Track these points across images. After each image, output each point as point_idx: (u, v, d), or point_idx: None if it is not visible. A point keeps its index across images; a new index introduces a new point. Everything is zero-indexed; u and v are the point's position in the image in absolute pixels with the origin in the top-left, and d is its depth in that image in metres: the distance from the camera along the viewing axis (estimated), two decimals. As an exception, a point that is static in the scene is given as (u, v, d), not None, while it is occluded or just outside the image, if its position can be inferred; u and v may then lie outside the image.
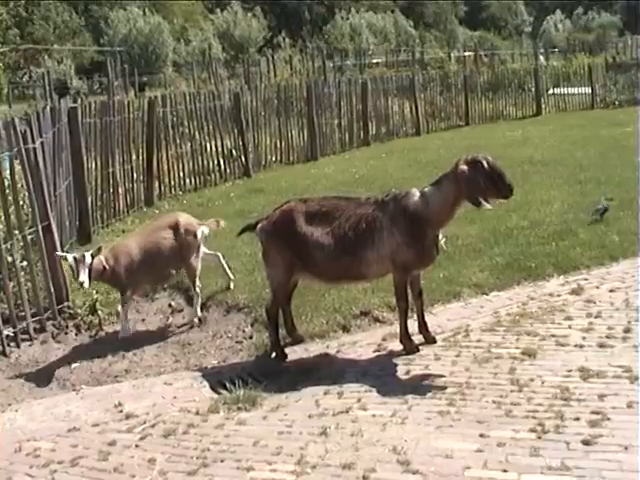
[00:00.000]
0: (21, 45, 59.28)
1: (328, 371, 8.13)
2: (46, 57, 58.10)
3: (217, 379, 8.26)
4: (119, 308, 10.01)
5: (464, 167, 7.72)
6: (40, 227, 9.98)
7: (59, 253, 9.77)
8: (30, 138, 10.01)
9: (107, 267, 9.42)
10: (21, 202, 10.49)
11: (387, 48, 74.23)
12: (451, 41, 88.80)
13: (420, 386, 7.43)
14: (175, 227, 9.87)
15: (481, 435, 6.32)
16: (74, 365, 9.17)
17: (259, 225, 8.55)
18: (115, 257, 9.56)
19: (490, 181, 7.67)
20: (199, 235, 9.98)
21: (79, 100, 18.39)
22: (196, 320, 9.90)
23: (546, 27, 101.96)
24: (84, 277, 9.00)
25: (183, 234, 9.84)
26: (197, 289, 9.97)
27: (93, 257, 9.15)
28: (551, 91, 34.01)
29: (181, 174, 17.97)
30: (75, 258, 9.06)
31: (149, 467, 6.44)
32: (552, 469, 5.73)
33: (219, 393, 7.91)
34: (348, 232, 8.08)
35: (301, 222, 8.24)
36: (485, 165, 7.68)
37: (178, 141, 18.18)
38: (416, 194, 8.03)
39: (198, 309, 9.98)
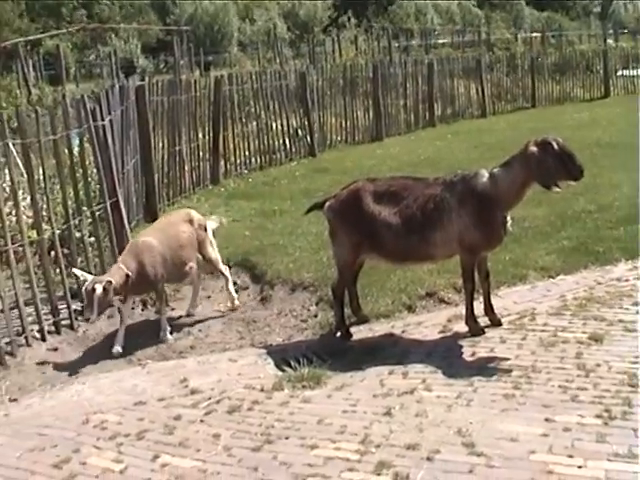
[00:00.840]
0: (88, 25, 59.70)
1: (393, 351, 8.12)
2: (113, 36, 58.48)
3: (282, 357, 8.29)
4: (157, 310, 9.76)
5: (534, 148, 7.65)
6: (108, 204, 10.08)
7: (75, 271, 8.99)
8: (99, 115, 10.10)
9: (130, 274, 8.90)
10: (89, 179, 10.58)
11: (452, 29, 73.67)
12: (518, 22, 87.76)
13: (485, 368, 7.39)
14: (190, 221, 9.72)
15: (546, 419, 6.26)
16: (140, 340, 9.27)
17: (327, 204, 8.55)
18: (137, 259, 9.06)
19: (560, 163, 7.59)
20: (209, 228, 9.92)
21: (146, 79, 18.45)
22: (236, 302, 9.95)
23: (615, 7, 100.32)
24: (90, 314, 8.53)
25: (197, 228, 9.73)
26: (226, 272, 10.02)
27: (105, 289, 8.49)
28: (620, 73, 33.55)
29: (247, 152, 18.05)
30: (86, 290, 8.49)
31: (214, 442, 6.47)
32: (619, 456, 5.65)
33: (283, 371, 7.92)
34: (416, 212, 8.04)
35: (369, 202, 8.22)
36: (555, 147, 7.60)
37: (244, 120, 18.23)
38: (485, 175, 7.97)
39: (232, 290, 10.01)
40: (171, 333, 9.32)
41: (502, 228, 8.03)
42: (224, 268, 10.00)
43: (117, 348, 8.93)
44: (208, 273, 10.54)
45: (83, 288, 8.56)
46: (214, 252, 9.92)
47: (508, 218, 8.09)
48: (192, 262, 9.64)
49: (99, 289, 8.41)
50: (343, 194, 8.49)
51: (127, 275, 8.82)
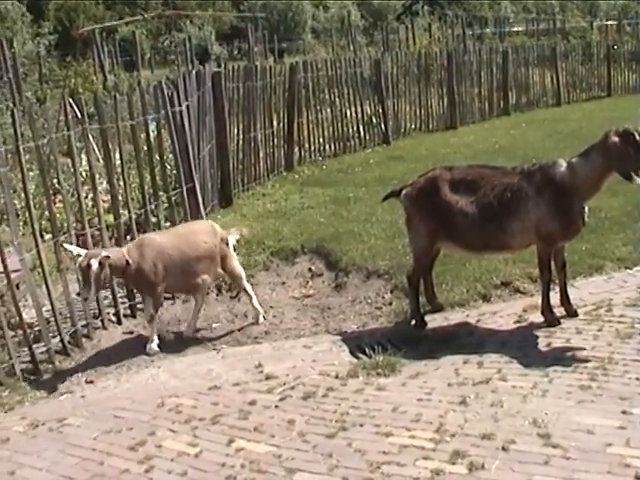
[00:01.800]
0: (164, 12, 60.08)
1: (468, 340, 8.08)
2: (187, 23, 58.81)
3: (356, 344, 8.30)
4: (146, 316, 8.94)
5: (616, 139, 7.53)
6: (185, 189, 10.15)
7: (67, 246, 8.38)
8: (177, 101, 10.16)
9: (131, 262, 8.41)
10: (166, 165, 10.65)
11: (527, 17, 72.87)
12: (593, 10, 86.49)
13: (561, 359, 7.29)
14: (213, 233, 9.12)
15: (623, 412, 6.17)
16: (215, 325, 9.33)
17: (403, 191, 8.51)
18: (141, 252, 8.53)
19: None
20: (230, 243, 9.31)
21: (222, 65, 18.53)
22: (261, 317, 9.40)
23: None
24: (87, 293, 8.00)
25: (220, 241, 9.12)
26: (249, 290, 9.42)
27: (101, 263, 7.97)
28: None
29: (321, 140, 18.02)
30: (80, 266, 7.94)
31: (288, 428, 6.48)
32: (698, 449, 5.57)
33: (358, 358, 7.93)
34: (493, 201, 7.98)
35: (446, 190, 8.17)
36: (637, 137, 7.48)
37: (318, 107, 18.22)
38: (563, 164, 7.87)
39: (257, 305, 9.42)
40: (160, 347, 8.73)
41: (580, 218, 7.92)
42: (248, 286, 9.45)
43: (152, 347, 8.70)
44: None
45: (77, 264, 8.07)
46: (238, 267, 9.38)
47: (586, 208, 7.98)
48: (206, 275, 9.02)
49: (95, 264, 7.91)
50: (420, 182, 8.44)
51: (127, 262, 8.38)
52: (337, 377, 7.44)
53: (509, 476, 5.44)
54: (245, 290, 9.41)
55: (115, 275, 8.55)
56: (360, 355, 7.97)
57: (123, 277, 8.74)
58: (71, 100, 10.21)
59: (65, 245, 8.37)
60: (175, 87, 10.43)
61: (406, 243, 9.82)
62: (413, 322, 8.67)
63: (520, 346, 7.72)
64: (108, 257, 8.05)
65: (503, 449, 5.78)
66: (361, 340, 8.41)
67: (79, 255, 8.06)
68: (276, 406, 6.93)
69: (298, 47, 56.76)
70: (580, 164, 7.79)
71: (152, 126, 10.15)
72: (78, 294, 8.59)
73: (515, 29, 64.51)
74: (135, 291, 9.41)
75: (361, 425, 6.41)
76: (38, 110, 11.54)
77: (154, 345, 8.66)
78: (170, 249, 8.69)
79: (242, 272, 9.41)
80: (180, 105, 10.21)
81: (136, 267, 8.45)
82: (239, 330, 9.19)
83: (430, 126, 21.80)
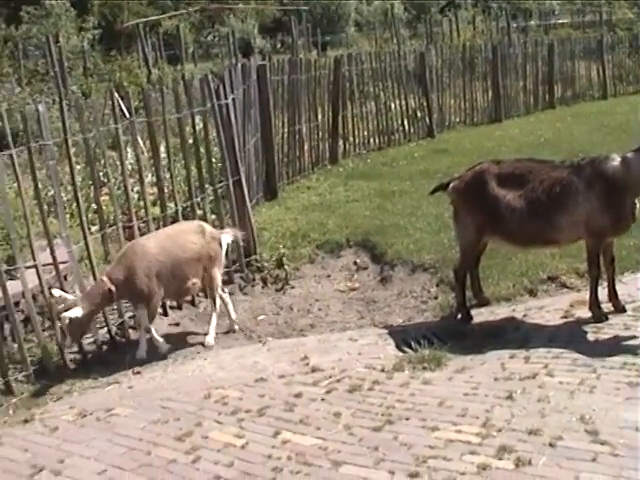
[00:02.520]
0: (208, 5, 60.15)
1: (514, 335, 8.03)
2: (231, 16, 58.86)
3: (402, 337, 8.28)
4: (140, 324, 8.51)
5: None
6: (231, 181, 10.17)
7: (55, 291, 8.01)
8: (223, 94, 10.18)
9: (114, 288, 8.08)
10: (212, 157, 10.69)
11: (572, 8, 72.27)
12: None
13: (609, 355, 7.21)
14: (202, 233, 8.77)
15: (673, 409, 6.10)
16: (260, 317, 9.36)
17: (451, 185, 8.48)
18: (128, 266, 8.20)
19: None
20: (223, 243, 9.01)
21: (267, 58, 18.56)
22: (210, 341, 8.74)
23: None
24: (64, 342, 8.00)
25: (210, 241, 8.80)
26: (217, 302, 8.95)
27: (72, 320, 7.74)
28: None
29: (365, 133, 18.00)
30: (59, 318, 7.92)
31: (334, 421, 6.48)
32: None
33: (404, 351, 7.92)
34: (541, 196, 7.91)
35: (493, 184, 8.13)
36: None
37: (362, 100, 18.19)
38: (616, 159, 7.78)
39: (213, 329, 8.84)
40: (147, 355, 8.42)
41: (630, 214, 7.84)
42: (221, 294, 9.00)
43: (140, 353, 8.43)
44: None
45: (56, 312, 8.06)
46: (218, 273, 8.95)
47: (637, 204, 7.90)
48: (196, 278, 8.72)
49: (65, 321, 7.76)
50: (468, 175, 8.40)
51: (109, 290, 8.04)
52: (383, 370, 7.42)
53: (556, 472, 5.38)
54: (214, 300, 8.92)
55: (104, 307, 8.37)
56: (406, 349, 7.95)
57: (117, 298, 8.36)
58: (117, 94, 10.25)
59: (54, 290, 8.01)
60: (221, 80, 10.45)
61: (452, 237, 9.81)
62: (459, 316, 8.65)
63: (567, 341, 7.64)
64: (77, 317, 7.75)
65: (550, 445, 5.73)
66: (407, 334, 8.39)
67: (65, 299, 7.90)
68: (322, 399, 6.92)
69: (341, 40, 56.63)
70: (635, 160, 7.70)
71: (196, 119, 10.16)
72: None
73: (560, 21, 63.94)
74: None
75: (407, 419, 6.38)
76: (84, 104, 11.58)
77: (143, 352, 8.38)
78: (160, 254, 8.35)
79: (219, 280, 8.99)
80: (226, 98, 10.22)
81: (126, 284, 8.14)
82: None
83: (475, 119, 21.71)
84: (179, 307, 9.47)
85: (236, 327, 9.07)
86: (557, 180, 7.89)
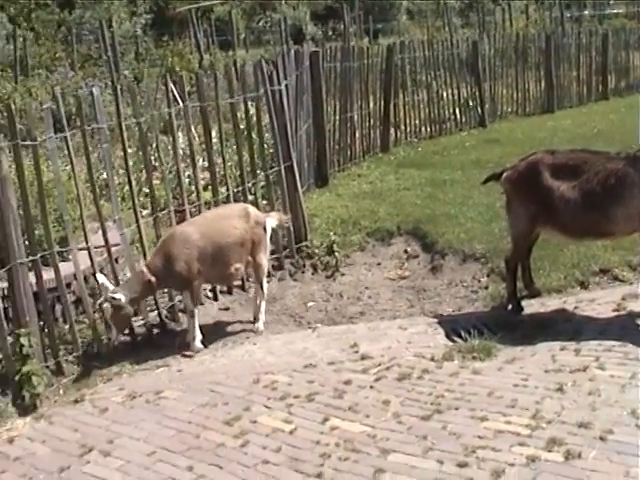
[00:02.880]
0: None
1: (565, 327, 7.95)
2: (282, 3, 58.85)
3: (452, 327, 8.25)
4: (187, 312, 8.36)
5: None
6: (283, 167, 10.16)
7: (98, 276, 7.94)
8: (276, 80, 10.18)
9: (153, 279, 7.99)
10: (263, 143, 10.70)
11: (628, -1, 71.50)
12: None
13: (662, 349, 7.16)
14: (245, 217, 8.54)
15: None
16: (310, 304, 9.37)
17: (504, 174, 8.40)
18: (167, 254, 8.06)
19: None
20: (268, 228, 8.81)
21: (320, 45, 18.55)
22: (260, 327, 8.68)
23: None
24: (110, 334, 7.94)
25: (254, 226, 8.58)
26: (264, 289, 8.81)
27: (114, 307, 7.70)
28: None
29: (417, 121, 17.93)
30: (100, 307, 7.96)
31: (383, 408, 6.48)
32: None
33: (453, 341, 7.89)
34: (596, 187, 7.82)
35: (547, 174, 8.04)
36: None
37: (414, 88, 18.13)
38: None
39: (262, 314, 8.76)
40: (204, 344, 8.25)
41: None
42: (265, 282, 8.86)
43: (195, 345, 8.23)
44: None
45: (97, 303, 8.11)
46: (264, 258, 8.77)
47: None
48: (239, 264, 8.51)
49: (108, 310, 7.76)
50: (521, 165, 8.32)
51: (149, 280, 7.95)
52: (432, 359, 7.40)
53: (606, 466, 5.34)
54: (261, 288, 8.77)
55: (147, 297, 8.33)
56: (456, 338, 7.93)
57: (159, 287, 8.29)
58: (169, 79, 10.29)
59: (97, 275, 7.96)
60: (274, 66, 10.45)
61: (503, 227, 9.77)
62: (510, 307, 8.59)
63: (619, 335, 7.56)
64: (120, 300, 7.71)
65: (601, 439, 5.69)
66: (457, 323, 8.36)
67: (106, 288, 7.80)
68: (371, 386, 6.92)
69: (392, 28, 56.43)
70: None
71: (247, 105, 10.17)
72: None
73: (615, 11, 63.26)
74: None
75: (456, 408, 6.37)
76: (137, 88, 11.65)
77: (197, 342, 8.19)
78: (200, 240, 8.16)
79: (266, 265, 8.85)
80: (279, 84, 10.22)
81: (166, 273, 8.03)
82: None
83: (527, 109, 21.53)
84: (229, 292, 9.47)
85: (261, 327, 8.68)
86: (612, 172, 7.79)
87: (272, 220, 8.94)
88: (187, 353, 8.04)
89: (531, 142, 15.49)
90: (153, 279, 7.97)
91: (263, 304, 8.76)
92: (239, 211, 8.62)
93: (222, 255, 8.32)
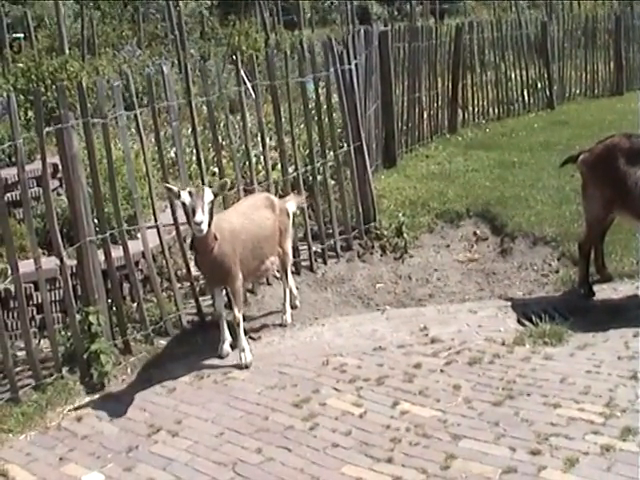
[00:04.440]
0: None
1: (637, 313, 7.83)
2: (349, -18, 58.70)
3: (522, 311, 8.19)
4: (235, 313, 7.47)
5: None
6: (352, 147, 10.09)
7: (169, 186, 7.20)
8: (346, 59, 10.10)
9: (218, 237, 7.19)
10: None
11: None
12: None
13: None
14: (272, 207, 8.05)
15: None
16: (378, 285, 9.31)
17: (581, 157, 8.32)
18: (221, 233, 7.26)
19: None
20: (290, 214, 8.37)
21: (389, 25, 18.41)
22: (288, 318, 8.37)
23: None
24: (201, 216, 6.72)
25: (279, 214, 8.10)
26: (291, 280, 8.54)
27: (216, 195, 7.03)
28: None
29: (484, 102, 17.74)
30: (190, 193, 6.82)
31: (454, 393, 6.45)
32: None
33: (524, 325, 7.84)
34: None
35: (624, 158, 7.93)
36: None
37: (482, 69, 17.96)
38: None
39: (289, 306, 8.44)
40: (232, 346, 7.67)
41: None
42: (290, 272, 8.58)
43: (225, 348, 7.68)
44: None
45: (187, 192, 6.86)
46: (290, 247, 8.43)
47: None
48: (274, 256, 8.11)
49: (209, 193, 6.87)
50: (599, 148, 8.22)
51: (215, 237, 7.14)
52: (503, 344, 7.36)
53: (680, 456, 5.24)
54: (286, 277, 8.45)
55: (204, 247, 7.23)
56: (526, 323, 7.88)
57: (203, 258, 7.37)
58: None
59: (167, 185, 7.36)
60: (345, 45, 10.37)
61: (574, 210, 9.68)
62: (581, 291, 8.48)
63: (693, 322, 7.45)
64: (216, 195, 7.03)
65: (676, 429, 5.59)
66: (527, 307, 8.29)
67: (188, 190, 6.95)
68: (441, 370, 6.90)
69: (458, 8, 56.05)
70: None
71: (310, 85, 10.06)
72: None
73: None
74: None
75: (528, 394, 6.33)
76: (206, 67, 11.64)
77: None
78: (240, 228, 7.55)
79: (291, 254, 8.53)
80: (349, 63, 10.14)
81: (219, 246, 7.24)
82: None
83: (595, 91, 21.21)
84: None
85: (289, 319, 8.36)
86: (692, 157, 7.67)
87: (292, 204, 8.50)
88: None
89: (600, 124, 15.32)
90: (218, 238, 7.18)
91: (289, 294, 8.46)
92: (264, 201, 8.14)
93: (260, 248, 7.82)
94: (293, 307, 8.56)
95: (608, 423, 5.76)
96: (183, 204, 6.87)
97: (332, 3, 52.96)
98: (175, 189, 7.01)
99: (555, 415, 5.96)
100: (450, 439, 5.75)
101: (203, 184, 8.32)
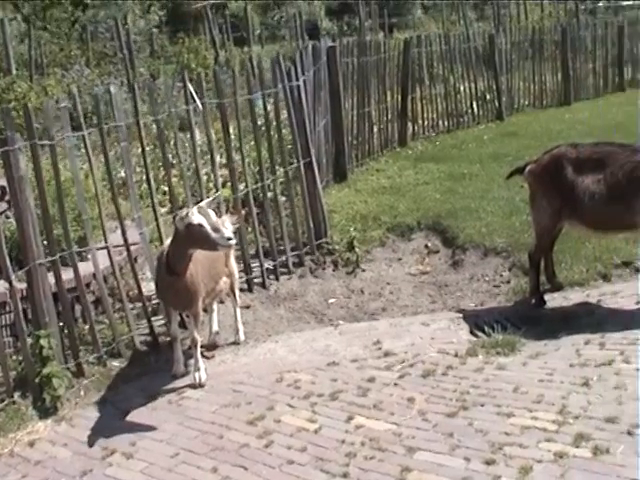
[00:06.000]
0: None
1: (588, 320, 7.91)
2: (297, -3, 58.79)
3: (474, 322, 8.22)
4: (194, 335, 7.36)
5: None
6: (302, 163, 10.11)
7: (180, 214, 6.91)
8: (294, 76, 10.13)
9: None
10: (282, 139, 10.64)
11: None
12: None
13: (686, 341, 7.11)
14: None
15: None
16: (331, 300, 9.32)
17: (528, 168, 8.40)
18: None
19: None
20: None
21: (336, 40, 18.48)
22: (241, 336, 8.30)
23: None
24: (229, 231, 6.90)
25: None
26: (238, 297, 8.38)
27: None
28: None
29: (434, 115, 17.87)
30: (200, 211, 6.76)
31: (408, 406, 6.44)
32: None
33: (477, 336, 7.87)
34: (621, 180, 7.81)
35: (571, 168, 8.02)
36: None
37: (431, 82, 18.07)
38: None
39: (240, 323, 8.34)
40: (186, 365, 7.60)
41: None
42: (238, 290, 8.43)
43: (179, 368, 7.57)
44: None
45: (197, 213, 6.73)
46: (235, 265, 8.29)
47: None
48: (225, 276, 7.99)
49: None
50: (545, 158, 8.30)
51: None
52: (456, 355, 7.37)
53: (635, 461, 5.28)
54: (234, 297, 8.33)
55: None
56: (479, 333, 7.91)
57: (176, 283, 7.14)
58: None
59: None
60: (293, 61, 10.40)
61: (523, 220, 9.76)
62: (533, 301, 8.55)
63: (644, 328, 7.52)
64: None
65: (628, 433, 5.64)
66: (479, 318, 8.32)
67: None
68: (395, 383, 6.89)
69: (407, 22, 56.33)
70: None
71: (258, 102, 10.08)
72: None
73: (629, 3, 63.00)
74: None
75: (482, 405, 6.34)
76: (154, 85, 11.63)
77: (182, 365, 7.56)
78: (200, 254, 7.19)
79: (236, 270, 8.41)
80: (297, 79, 10.16)
81: (189, 274, 7.12)
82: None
83: (544, 102, 21.44)
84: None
85: (242, 337, 8.29)
86: (638, 164, 7.75)
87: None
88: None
89: (549, 135, 15.51)
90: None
91: (239, 312, 8.37)
92: None
93: (214, 268, 7.68)
94: (237, 341, 8.31)
95: (561, 430, 5.79)
96: (200, 225, 6.68)
97: (281, 18, 53.08)
98: (182, 213, 6.83)
99: (509, 424, 5.97)
100: (405, 452, 5.73)
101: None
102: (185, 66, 23.59)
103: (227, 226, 7.41)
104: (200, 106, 9.28)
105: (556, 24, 25.92)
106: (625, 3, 60.50)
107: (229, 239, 6.73)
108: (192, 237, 6.75)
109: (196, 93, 9.67)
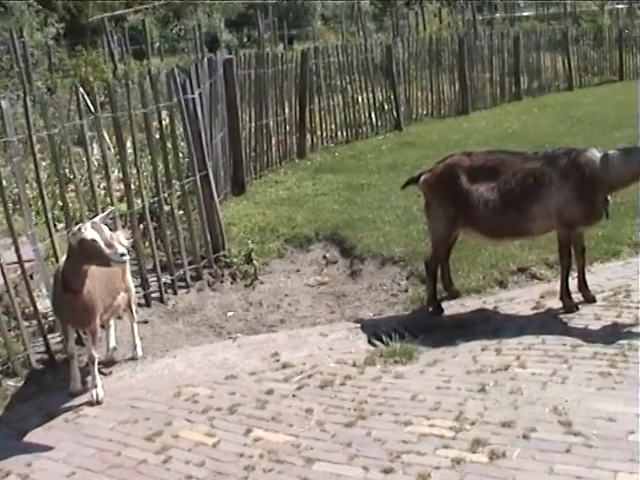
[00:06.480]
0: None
1: (485, 327, 8.04)
2: (196, 10, 58.57)
3: (373, 331, 8.26)
4: (92, 352, 7.19)
5: None
6: (198, 177, 10.07)
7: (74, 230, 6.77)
8: (189, 89, 10.08)
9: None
10: (179, 153, 10.58)
11: (537, 1, 72.54)
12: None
13: (580, 346, 7.25)
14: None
15: (645, 399, 6.09)
16: (230, 313, 9.27)
17: (422, 177, 8.48)
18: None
19: None
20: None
21: (233, 52, 18.46)
22: (139, 352, 8.19)
23: None
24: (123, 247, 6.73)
25: None
26: (135, 313, 8.27)
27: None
28: None
29: (332, 126, 17.97)
30: (94, 227, 6.63)
31: (306, 417, 6.45)
32: None
33: (375, 345, 7.90)
34: (515, 187, 7.97)
35: (465, 176, 8.14)
36: None
37: (330, 93, 18.16)
38: (597, 155, 7.86)
39: (138, 338, 8.24)
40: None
41: (602, 208, 7.88)
42: (135, 305, 8.35)
43: (76, 385, 7.41)
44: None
45: (90, 228, 6.59)
46: (131, 280, 8.18)
47: (609, 199, 7.93)
48: (122, 292, 7.84)
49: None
50: (439, 168, 8.40)
51: None
52: (354, 365, 7.40)
53: (530, 464, 5.40)
54: (131, 310, 8.18)
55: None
56: (377, 343, 7.95)
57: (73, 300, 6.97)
58: (82, 89, 10.12)
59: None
60: (187, 74, 10.35)
61: (421, 229, 9.84)
62: (430, 309, 8.63)
63: (538, 332, 7.68)
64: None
65: (524, 437, 5.76)
66: (377, 328, 8.36)
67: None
68: (293, 395, 6.90)
69: (307, 34, 56.56)
70: (617, 160, 7.82)
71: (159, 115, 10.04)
72: None
73: (525, 14, 64.19)
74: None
75: (380, 414, 6.38)
76: (49, 99, 11.48)
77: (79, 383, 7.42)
78: (96, 270, 7.02)
79: (133, 285, 8.29)
80: (193, 92, 10.12)
81: (86, 290, 6.99)
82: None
83: (442, 112, 21.74)
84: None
85: (140, 352, 8.18)
86: (531, 171, 7.97)
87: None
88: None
89: (446, 144, 15.69)
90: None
91: (137, 328, 8.26)
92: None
93: (112, 284, 7.55)
94: (135, 357, 8.20)
95: (458, 436, 5.86)
96: (93, 240, 6.53)
97: (181, 30, 52.86)
98: (75, 229, 6.69)
99: (406, 432, 6.01)
100: (304, 463, 5.75)
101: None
102: (83, 79, 23.33)
103: (122, 241, 7.27)
104: (94, 116, 9.17)
105: (454, 34, 26.30)
106: (521, 14, 61.81)
107: (122, 255, 6.59)
108: (85, 253, 6.64)
109: (94, 106, 9.54)
